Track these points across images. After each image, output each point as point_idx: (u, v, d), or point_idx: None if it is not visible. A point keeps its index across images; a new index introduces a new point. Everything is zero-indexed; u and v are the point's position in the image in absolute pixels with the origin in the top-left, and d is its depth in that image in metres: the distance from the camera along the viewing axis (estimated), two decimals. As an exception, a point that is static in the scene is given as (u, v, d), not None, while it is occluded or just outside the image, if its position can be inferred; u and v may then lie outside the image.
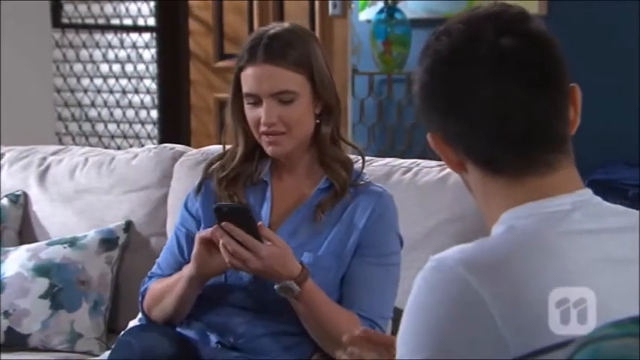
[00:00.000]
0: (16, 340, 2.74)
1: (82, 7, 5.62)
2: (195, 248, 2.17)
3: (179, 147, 2.98)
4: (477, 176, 1.37)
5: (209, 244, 2.15)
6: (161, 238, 2.79)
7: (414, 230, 2.48)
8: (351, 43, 5.49)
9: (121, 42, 5.70)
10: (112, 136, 5.73)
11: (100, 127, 5.73)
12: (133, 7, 5.73)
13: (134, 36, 5.69)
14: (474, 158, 1.35)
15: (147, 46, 5.70)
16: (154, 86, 5.70)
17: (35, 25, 4.64)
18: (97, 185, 2.98)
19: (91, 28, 5.66)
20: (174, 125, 5.71)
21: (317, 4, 5.57)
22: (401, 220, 2.29)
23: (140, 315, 2.38)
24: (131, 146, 5.51)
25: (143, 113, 5.73)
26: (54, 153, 3.15)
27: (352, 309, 2.19)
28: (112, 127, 5.74)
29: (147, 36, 5.71)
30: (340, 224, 2.24)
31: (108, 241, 2.85)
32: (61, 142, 5.19)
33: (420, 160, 2.68)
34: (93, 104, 5.72)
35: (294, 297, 2.13)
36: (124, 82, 5.72)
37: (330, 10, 5.50)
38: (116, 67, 5.72)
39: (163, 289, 2.28)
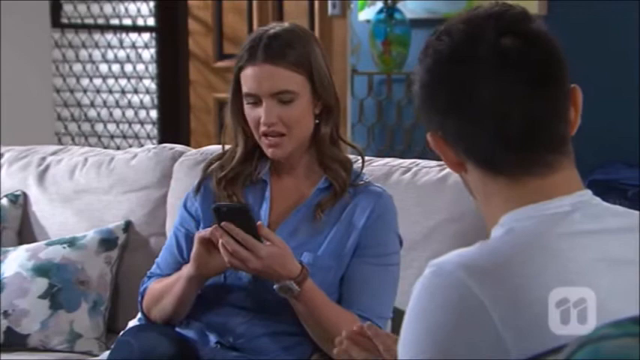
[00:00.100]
0: (16, 341, 2.74)
1: (82, 7, 5.61)
2: (194, 248, 2.17)
3: (178, 147, 2.98)
4: (477, 177, 1.37)
5: (208, 243, 2.15)
6: (160, 238, 2.79)
7: (414, 230, 2.48)
8: (350, 43, 5.49)
9: (121, 42, 5.70)
10: (112, 136, 5.73)
11: (99, 127, 5.72)
12: (132, 7, 5.72)
13: (133, 36, 5.69)
14: (474, 158, 1.35)
15: (146, 46, 5.69)
16: (153, 86, 5.70)
17: (34, 25, 4.64)
18: (97, 185, 2.98)
19: (90, 28, 5.65)
20: (173, 125, 5.71)
21: (316, 4, 5.57)
22: (400, 220, 2.29)
23: (139, 315, 2.38)
24: (130, 146, 5.51)
25: (142, 113, 5.72)
26: (53, 153, 3.15)
27: (351, 309, 2.19)
28: (111, 127, 5.74)
29: (146, 36, 5.70)
30: (340, 224, 2.24)
31: (107, 241, 2.85)
32: (60, 142, 5.18)
33: (419, 160, 2.68)
34: (92, 104, 5.72)
35: (294, 297, 2.13)
36: (123, 82, 5.72)
37: (330, 10, 5.50)
38: (115, 67, 5.71)
39: (162, 289, 2.28)
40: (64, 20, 5.42)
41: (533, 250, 1.26)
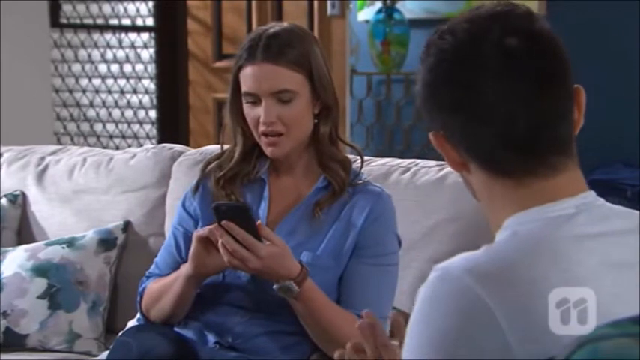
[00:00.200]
0: (15, 341, 2.74)
1: (81, 7, 5.61)
2: (192, 247, 2.17)
3: (177, 147, 2.98)
4: (480, 177, 1.36)
5: (206, 242, 2.14)
6: (159, 238, 2.79)
7: (413, 230, 2.48)
8: (349, 43, 5.50)
9: (120, 42, 5.70)
10: (111, 136, 5.72)
11: (98, 127, 5.72)
12: (131, 7, 5.72)
13: (132, 36, 5.69)
14: (477, 158, 1.34)
15: (145, 46, 5.69)
16: (152, 86, 5.70)
17: (33, 25, 4.64)
18: (96, 185, 2.98)
19: (89, 28, 5.65)
20: (172, 125, 5.71)
21: (315, 4, 5.57)
22: (399, 220, 2.29)
23: (138, 315, 2.38)
24: (129, 146, 5.51)
25: (141, 113, 5.72)
26: (52, 153, 3.14)
27: (350, 309, 2.19)
28: (110, 127, 5.73)
29: (145, 36, 5.70)
30: (338, 223, 2.24)
31: (106, 242, 2.85)
32: (59, 142, 5.18)
33: (418, 160, 2.68)
34: (91, 104, 5.71)
35: (294, 297, 2.13)
36: (122, 82, 5.72)
37: (329, 10, 5.50)
38: (114, 67, 5.71)
39: (161, 288, 2.28)
40: (63, 20, 5.42)
41: (538, 254, 1.25)
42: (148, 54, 5.70)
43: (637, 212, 1.36)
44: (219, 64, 5.89)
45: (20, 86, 4.48)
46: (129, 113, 5.74)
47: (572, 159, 1.35)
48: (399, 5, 5.49)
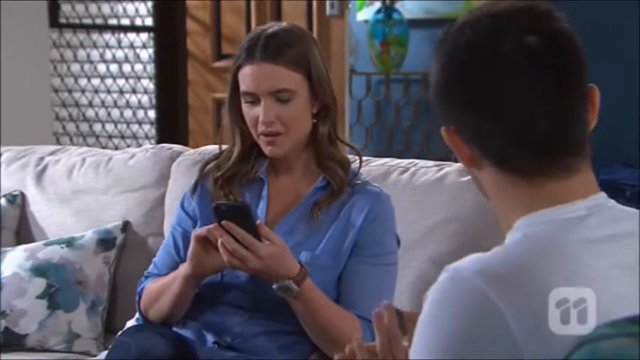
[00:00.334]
0: (14, 341, 2.74)
1: (80, 7, 5.61)
2: (191, 246, 2.17)
3: (176, 147, 2.98)
4: (491, 176, 1.34)
5: (205, 241, 2.14)
6: (158, 238, 2.79)
7: (412, 230, 2.48)
8: (348, 43, 5.50)
9: (119, 42, 5.70)
10: (110, 136, 5.72)
11: (97, 127, 5.72)
12: (130, 7, 5.72)
13: (132, 36, 5.69)
14: (490, 155, 1.33)
15: (144, 46, 5.69)
16: (151, 86, 5.70)
17: (33, 25, 4.63)
18: (95, 185, 2.97)
19: (88, 28, 5.65)
20: (171, 125, 5.71)
21: (314, 4, 5.57)
22: (398, 220, 2.29)
23: (137, 315, 2.38)
24: (129, 146, 5.51)
25: (141, 113, 5.72)
26: (51, 153, 3.14)
27: (349, 309, 2.19)
28: (109, 127, 5.73)
29: (144, 36, 5.70)
30: (337, 222, 2.24)
31: (105, 242, 2.85)
32: (58, 142, 5.18)
33: (417, 160, 2.68)
34: (90, 104, 5.71)
35: (293, 297, 2.13)
36: (121, 82, 5.72)
37: (328, 10, 5.50)
38: (114, 67, 5.71)
39: (159, 288, 2.28)
40: (62, 20, 5.42)
41: (549, 257, 1.24)
42: (147, 54, 5.70)
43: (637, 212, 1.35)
44: (218, 64, 5.90)
45: (19, 86, 4.48)
46: (128, 113, 5.74)
47: (586, 160, 1.34)
48: (398, 5, 5.49)
